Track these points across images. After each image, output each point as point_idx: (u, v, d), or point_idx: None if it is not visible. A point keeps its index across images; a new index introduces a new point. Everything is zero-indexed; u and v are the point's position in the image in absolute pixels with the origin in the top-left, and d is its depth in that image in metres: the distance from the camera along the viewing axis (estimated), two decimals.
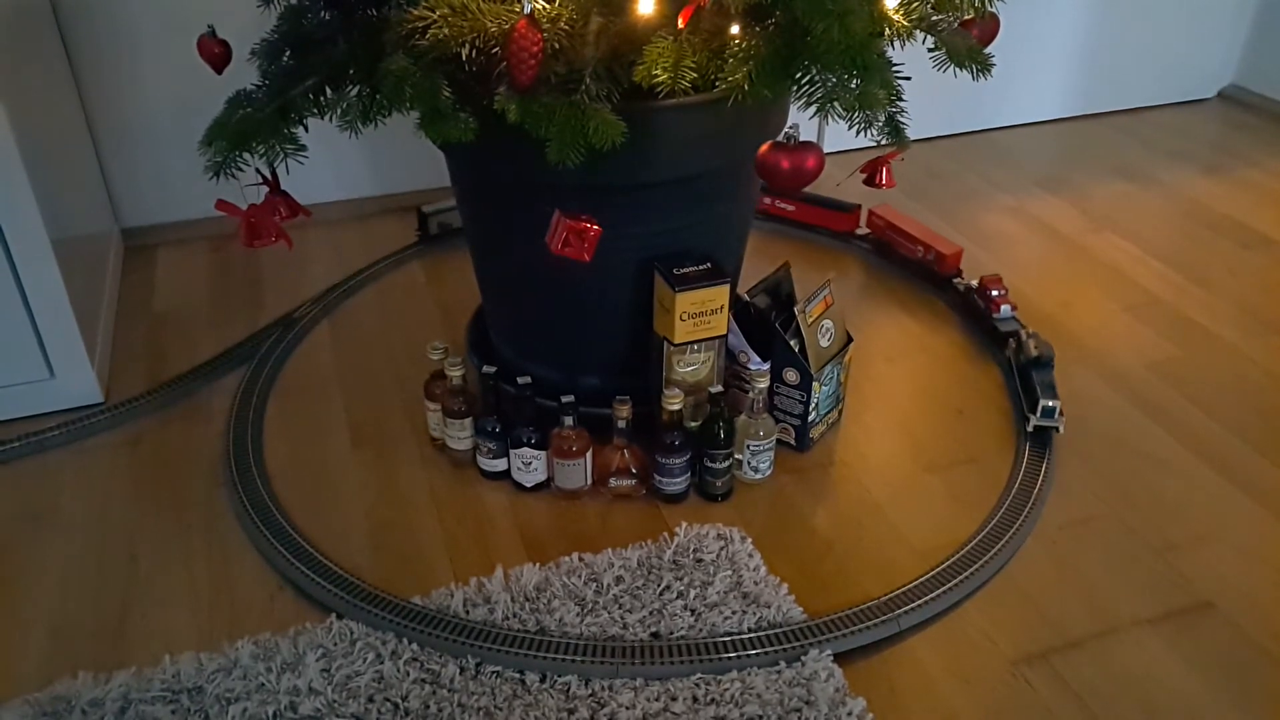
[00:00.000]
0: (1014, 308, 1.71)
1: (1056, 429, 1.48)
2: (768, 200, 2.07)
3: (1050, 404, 1.47)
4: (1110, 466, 1.48)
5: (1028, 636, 1.21)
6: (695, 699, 1.12)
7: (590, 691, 1.13)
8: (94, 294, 1.70)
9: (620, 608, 1.23)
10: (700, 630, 1.20)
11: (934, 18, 1.18)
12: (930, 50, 1.18)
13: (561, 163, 1.06)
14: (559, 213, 1.16)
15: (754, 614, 1.21)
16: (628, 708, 1.10)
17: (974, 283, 1.78)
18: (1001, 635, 1.21)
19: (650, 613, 1.22)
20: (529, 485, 1.41)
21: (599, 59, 1.09)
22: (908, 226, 1.93)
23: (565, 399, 1.34)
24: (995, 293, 1.72)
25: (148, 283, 1.93)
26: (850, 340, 1.51)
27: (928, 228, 1.94)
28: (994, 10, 1.28)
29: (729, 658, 1.15)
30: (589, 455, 1.37)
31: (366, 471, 1.46)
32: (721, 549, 1.31)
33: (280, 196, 1.28)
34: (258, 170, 1.22)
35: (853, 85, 1.04)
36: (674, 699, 1.12)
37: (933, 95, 1.88)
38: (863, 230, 2.04)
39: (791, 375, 1.42)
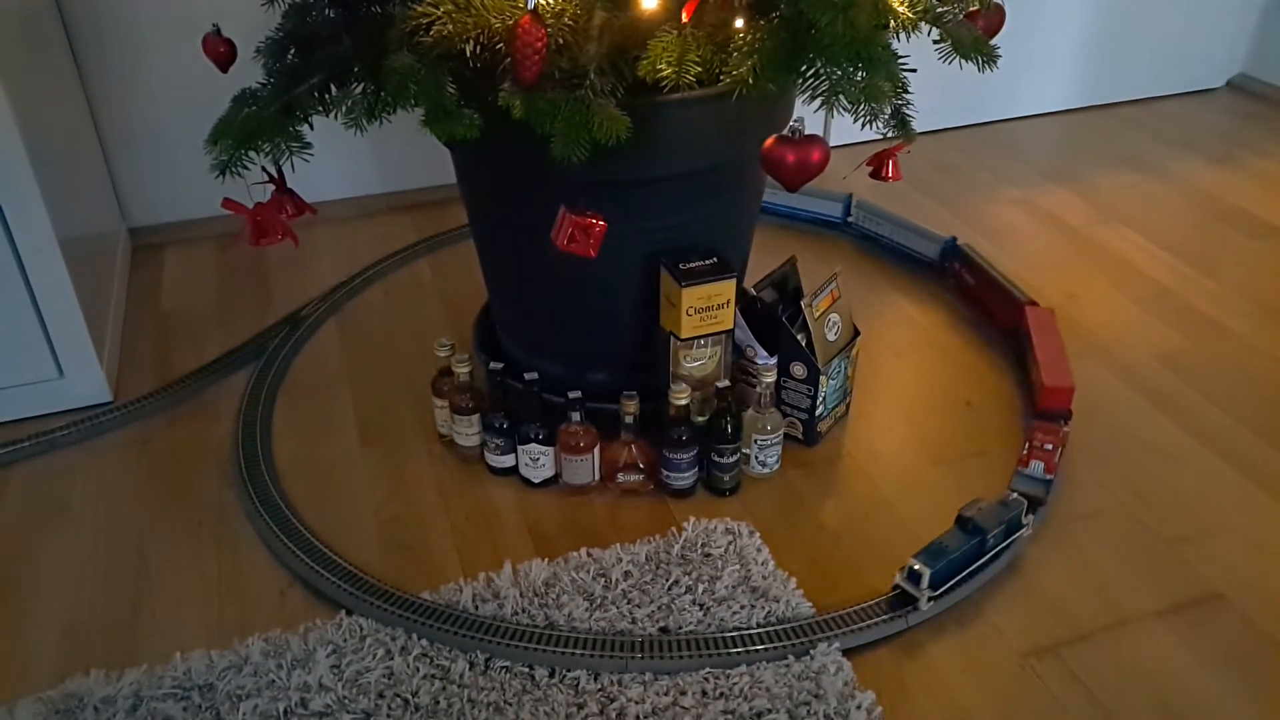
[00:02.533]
0: (1049, 470, 1.38)
1: (915, 604, 1.20)
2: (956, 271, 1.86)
3: (916, 567, 1.19)
4: (1119, 459, 1.47)
5: (1037, 629, 1.21)
6: (704, 693, 1.12)
7: (599, 686, 1.13)
8: (102, 293, 1.70)
9: (629, 603, 1.23)
10: (709, 625, 1.20)
11: (939, 10, 1.18)
12: (935, 42, 1.17)
13: (566, 159, 1.06)
14: (564, 208, 1.15)
15: (762, 608, 1.21)
16: (637, 702, 1.11)
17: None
18: (1011, 628, 1.21)
19: (659, 607, 1.22)
20: (537, 481, 1.41)
21: (603, 54, 1.08)
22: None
23: (572, 395, 1.34)
24: (1039, 443, 1.40)
25: (155, 282, 1.94)
26: (857, 334, 1.50)
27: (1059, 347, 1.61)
28: (999, 1, 1.27)
29: (737, 652, 1.15)
30: (596, 451, 1.38)
31: (375, 468, 1.47)
32: (729, 544, 1.31)
33: (286, 195, 1.28)
34: (263, 169, 1.23)
35: (858, 78, 1.03)
36: (683, 693, 1.12)
37: (939, 88, 1.88)
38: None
39: (799, 369, 1.42)
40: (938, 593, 1.20)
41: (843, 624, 1.18)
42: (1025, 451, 1.41)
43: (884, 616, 1.19)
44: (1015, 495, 1.30)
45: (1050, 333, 1.60)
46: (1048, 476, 1.38)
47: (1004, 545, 1.27)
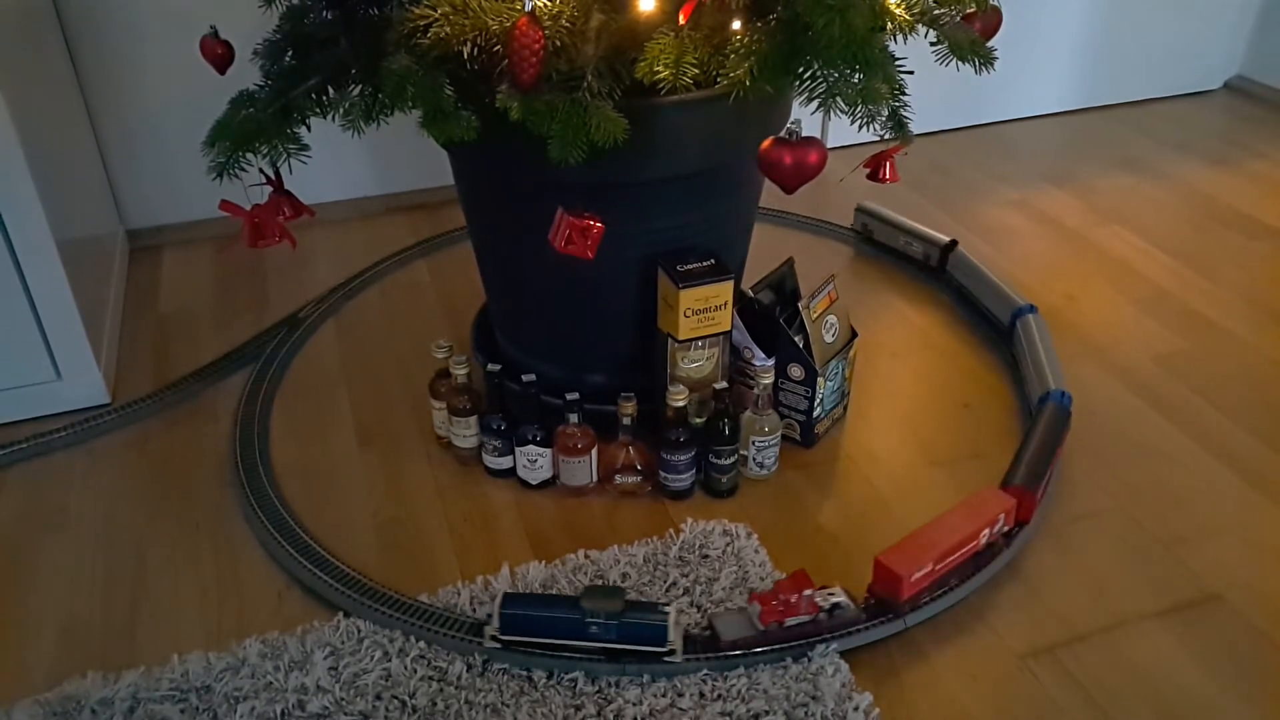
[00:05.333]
0: (764, 619, 1.16)
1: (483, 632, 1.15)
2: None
3: (496, 603, 1.13)
4: (1117, 460, 1.47)
5: (1035, 631, 1.21)
6: (702, 695, 1.12)
7: (597, 688, 1.13)
8: (100, 295, 1.70)
9: None
10: (706, 626, 1.19)
11: (936, 12, 1.18)
12: (932, 45, 1.17)
13: (564, 160, 1.06)
14: (562, 210, 1.15)
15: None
16: (634, 704, 1.11)
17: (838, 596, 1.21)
18: (1008, 630, 1.21)
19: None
20: (534, 483, 1.41)
21: (601, 56, 1.09)
22: None
23: (570, 396, 1.34)
24: (781, 595, 1.18)
25: (153, 284, 1.94)
26: (855, 335, 1.51)
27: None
28: (996, 3, 1.27)
29: (735, 654, 1.15)
30: (594, 452, 1.38)
31: (372, 470, 1.47)
32: (727, 545, 1.31)
33: (284, 196, 1.28)
34: (261, 170, 1.23)
35: (855, 80, 1.04)
36: (680, 695, 1.12)
37: (937, 89, 1.88)
38: None
39: (796, 371, 1.42)
40: (505, 638, 1.14)
41: (840, 625, 1.18)
42: (772, 591, 1.20)
43: (884, 616, 1.19)
44: (666, 609, 1.12)
45: (966, 510, 1.28)
46: (761, 626, 1.16)
47: (621, 645, 1.13)
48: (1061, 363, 1.57)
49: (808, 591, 1.18)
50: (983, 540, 1.26)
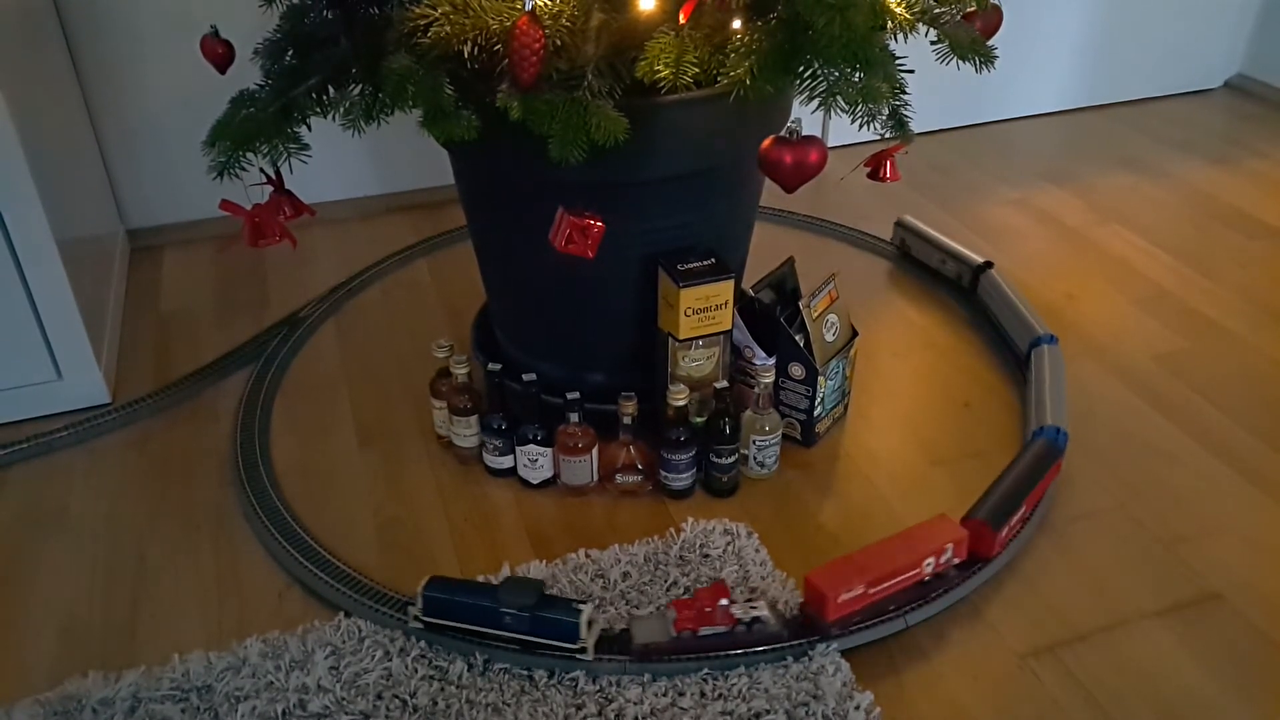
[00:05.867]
0: (678, 626, 1.15)
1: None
2: None
3: (420, 588, 1.15)
4: (1118, 459, 1.47)
5: (1035, 630, 1.21)
6: (703, 694, 1.12)
7: (598, 688, 1.13)
8: (100, 295, 1.70)
9: (627, 603, 1.23)
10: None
11: (936, 11, 1.18)
12: (933, 43, 1.17)
13: (564, 160, 1.06)
14: (562, 210, 1.15)
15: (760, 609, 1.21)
16: (635, 703, 1.11)
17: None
18: (1009, 629, 1.21)
19: (657, 609, 1.22)
20: (535, 482, 1.41)
21: (601, 55, 1.09)
22: None
23: (571, 396, 1.34)
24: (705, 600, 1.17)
25: (154, 283, 1.94)
26: (855, 335, 1.50)
27: None
28: (996, 2, 1.27)
29: (736, 653, 1.15)
30: (595, 452, 1.38)
31: (373, 470, 1.47)
32: (728, 544, 1.31)
33: (284, 196, 1.28)
34: (261, 170, 1.23)
35: (855, 79, 1.04)
36: (681, 694, 1.12)
37: (937, 88, 1.88)
38: None
39: (797, 370, 1.42)
40: (427, 619, 1.16)
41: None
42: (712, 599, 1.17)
43: (885, 615, 1.19)
44: (585, 608, 1.12)
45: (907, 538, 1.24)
46: (673, 633, 1.14)
47: (539, 641, 1.14)
48: (1062, 355, 1.57)
49: (724, 601, 1.16)
50: (926, 569, 1.21)
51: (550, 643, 1.13)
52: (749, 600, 1.18)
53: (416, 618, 1.17)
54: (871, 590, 1.17)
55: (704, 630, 1.14)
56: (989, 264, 1.81)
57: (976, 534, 1.25)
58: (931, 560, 1.21)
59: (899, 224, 1.99)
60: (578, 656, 1.13)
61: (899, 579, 1.19)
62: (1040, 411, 1.46)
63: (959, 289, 1.85)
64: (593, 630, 1.13)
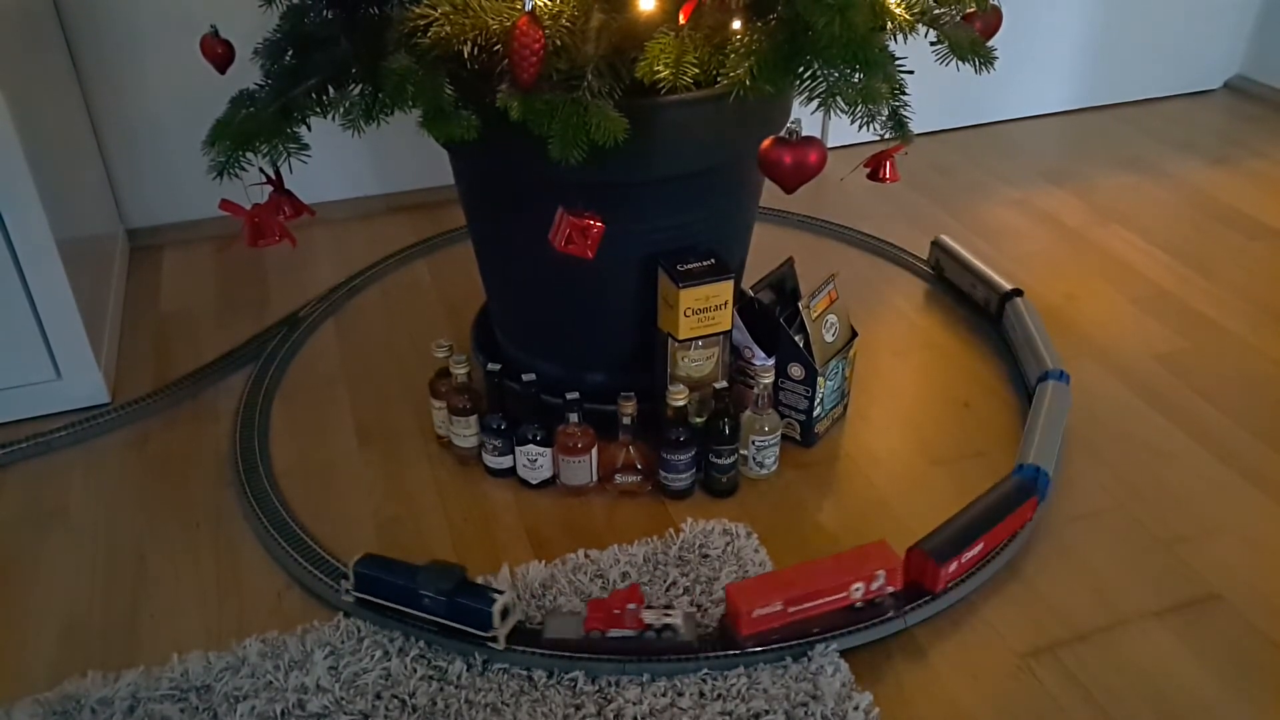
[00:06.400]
0: (588, 626, 1.16)
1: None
2: None
3: (351, 565, 1.19)
4: (1117, 459, 1.47)
5: (1035, 630, 1.21)
6: (701, 694, 1.12)
7: (597, 688, 1.13)
8: (100, 295, 1.70)
9: None
10: (706, 626, 1.19)
11: (936, 11, 1.18)
12: (933, 44, 1.17)
13: (564, 160, 1.06)
14: (562, 210, 1.16)
15: None
16: (634, 703, 1.11)
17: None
18: (1009, 629, 1.21)
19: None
20: (534, 482, 1.41)
21: (601, 55, 1.09)
22: None
23: (570, 396, 1.34)
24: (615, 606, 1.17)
25: (153, 283, 1.94)
26: (855, 335, 1.50)
27: None
28: (996, 3, 1.27)
29: (735, 653, 1.15)
30: (594, 452, 1.38)
31: (372, 470, 1.47)
32: (727, 544, 1.31)
33: (284, 196, 1.28)
34: (261, 170, 1.23)
35: (855, 80, 1.04)
36: (680, 694, 1.12)
37: (938, 89, 1.88)
38: None
39: (796, 370, 1.42)
40: (356, 592, 1.20)
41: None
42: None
43: (884, 615, 1.19)
44: (503, 600, 1.13)
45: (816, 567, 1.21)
46: (583, 632, 1.15)
47: (454, 625, 1.15)
48: (1062, 355, 1.57)
49: (632, 605, 1.15)
50: (855, 595, 1.17)
51: (465, 629, 1.15)
52: (667, 608, 1.18)
53: (349, 591, 1.20)
54: (791, 609, 1.15)
55: (612, 632, 1.14)
56: (1017, 291, 1.72)
57: (919, 565, 1.22)
58: (861, 586, 1.17)
59: (935, 244, 1.91)
60: (490, 645, 1.14)
61: (822, 601, 1.16)
62: (1027, 448, 1.39)
63: (986, 315, 1.77)
64: (507, 620, 1.15)
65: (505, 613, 1.14)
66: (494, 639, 1.14)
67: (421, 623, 1.17)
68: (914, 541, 1.23)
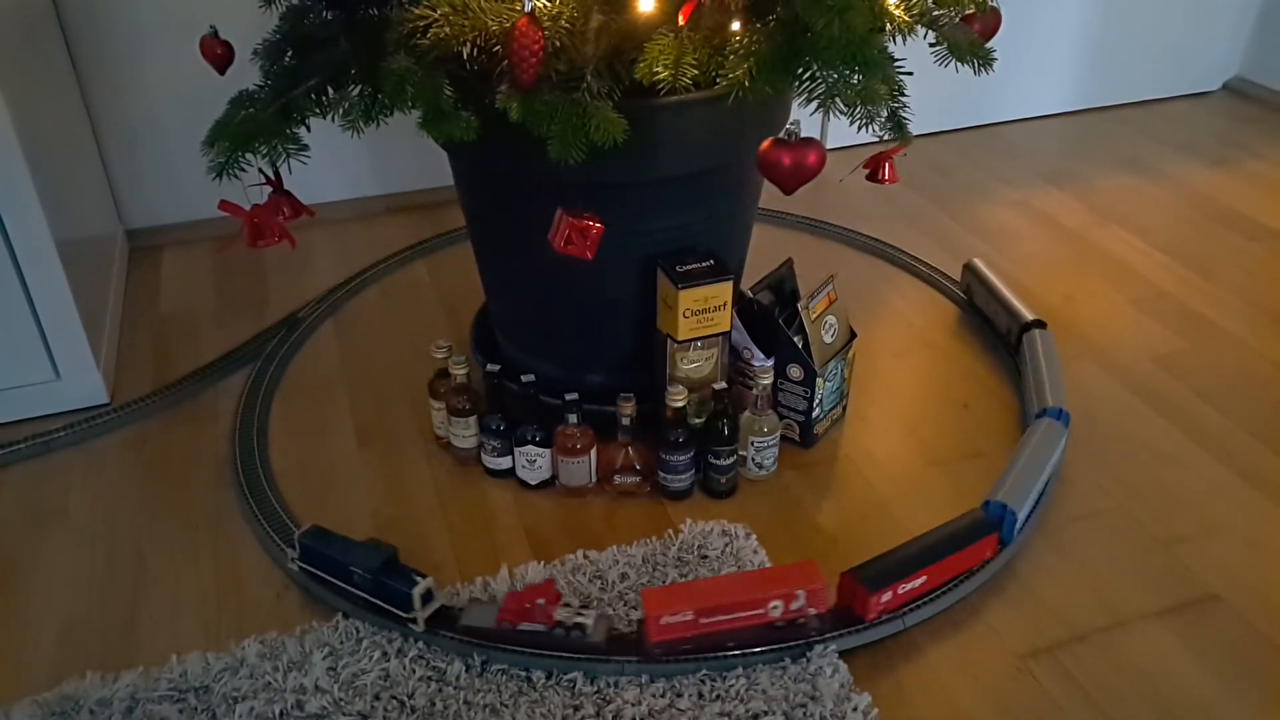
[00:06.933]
0: (501, 618, 1.17)
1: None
2: None
3: (299, 537, 1.23)
4: (1116, 460, 1.47)
5: (1034, 631, 1.21)
6: (700, 695, 1.12)
7: (596, 689, 1.13)
8: (99, 296, 1.70)
9: (625, 604, 1.23)
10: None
11: (935, 13, 1.18)
12: (931, 45, 1.17)
13: (563, 161, 1.06)
14: (561, 211, 1.16)
15: None
16: (633, 704, 1.11)
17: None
18: (1008, 630, 1.21)
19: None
20: (534, 483, 1.41)
21: (600, 57, 1.09)
22: None
23: (569, 396, 1.34)
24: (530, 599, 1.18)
25: (153, 284, 1.94)
26: (854, 336, 1.51)
27: None
28: (995, 5, 1.27)
29: (734, 654, 1.15)
30: (593, 453, 1.38)
31: (372, 470, 1.47)
32: (726, 545, 1.31)
33: (283, 196, 1.28)
34: (260, 170, 1.23)
35: (854, 81, 1.04)
36: (679, 695, 1.12)
37: (938, 90, 1.88)
38: None
39: (795, 371, 1.42)
40: (301, 563, 1.24)
41: (839, 626, 1.18)
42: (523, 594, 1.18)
43: (883, 616, 1.19)
44: (424, 586, 1.15)
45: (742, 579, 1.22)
46: (494, 622, 1.16)
47: (373, 598, 1.18)
48: (1061, 356, 1.57)
49: (541, 601, 1.16)
50: (772, 611, 1.15)
51: (389, 608, 1.18)
52: (583, 607, 1.19)
53: (294, 560, 1.24)
54: (703, 620, 1.14)
55: (522, 625, 1.16)
56: (1039, 323, 1.64)
57: (850, 591, 1.19)
58: (780, 604, 1.15)
59: (967, 268, 1.83)
60: (410, 626, 1.17)
61: (736, 615, 1.14)
62: (999, 485, 1.32)
63: (1006, 345, 1.69)
64: (428, 605, 1.17)
65: (428, 597, 1.17)
66: (414, 620, 1.17)
67: (354, 598, 1.20)
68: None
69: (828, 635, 1.16)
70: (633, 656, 1.14)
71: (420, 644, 1.17)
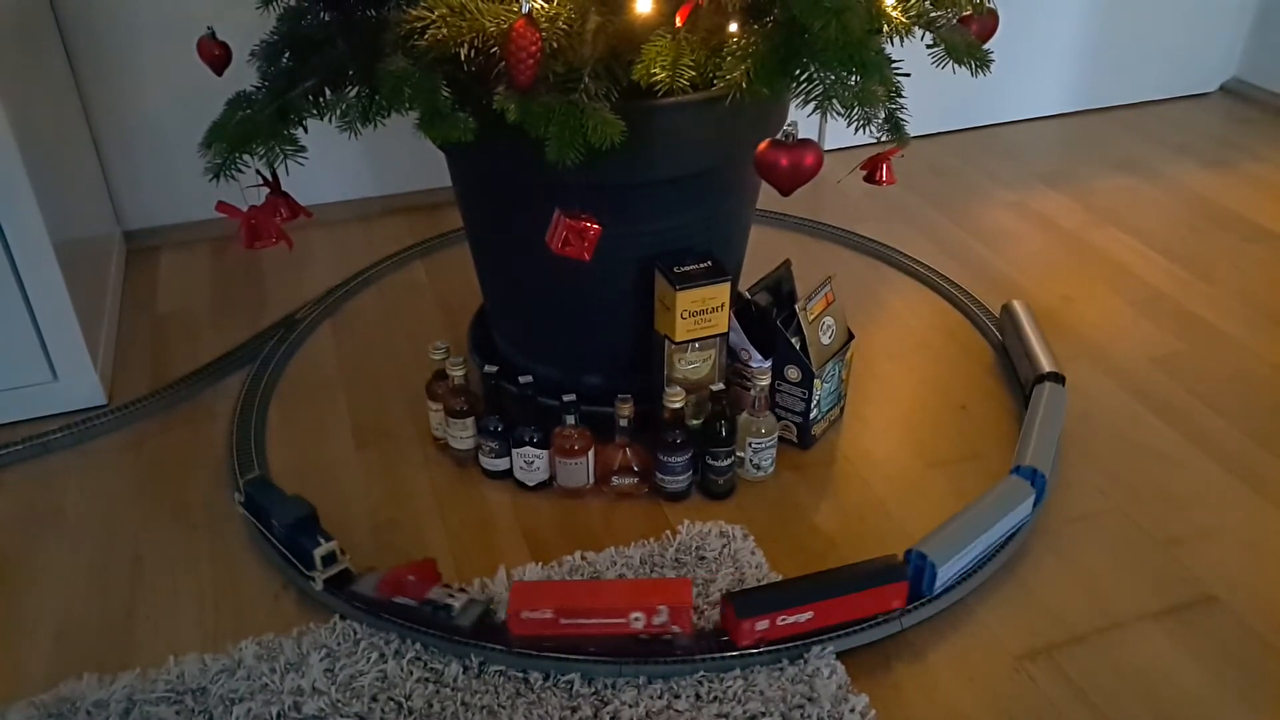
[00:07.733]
0: (382, 588, 1.22)
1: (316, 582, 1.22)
2: None
3: (240, 493, 1.32)
4: (1114, 461, 1.47)
5: (1031, 632, 1.21)
6: (698, 697, 1.12)
7: (593, 690, 1.13)
8: (97, 297, 1.70)
9: None
10: (702, 628, 1.19)
11: (932, 14, 1.18)
12: (929, 47, 1.18)
13: (561, 162, 1.06)
14: (559, 212, 1.16)
15: None
16: (630, 705, 1.11)
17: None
18: (1005, 631, 1.21)
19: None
20: (531, 484, 1.41)
21: (597, 58, 1.09)
22: None
23: (567, 398, 1.34)
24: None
25: (150, 285, 1.94)
26: (852, 337, 1.51)
27: None
28: (992, 6, 1.28)
29: (731, 655, 1.15)
30: (591, 454, 1.38)
31: (369, 472, 1.46)
32: (724, 547, 1.31)
33: (281, 198, 1.28)
34: (258, 171, 1.23)
35: (851, 82, 1.04)
36: (677, 696, 1.12)
37: (936, 91, 1.88)
38: None
39: (793, 372, 1.42)
40: (244, 508, 1.32)
41: (837, 627, 1.18)
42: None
43: (880, 617, 1.19)
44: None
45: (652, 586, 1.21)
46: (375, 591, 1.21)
47: (329, 575, 1.22)
48: (1059, 357, 1.57)
49: (411, 577, 1.20)
50: (634, 623, 1.13)
51: (296, 563, 1.25)
52: (460, 588, 1.22)
53: (239, 503, 1.33)
54: (563, 620, 1.14)
55: (396, 598, 1.19)
56: (1055, 376, 1.54)
57: (725, 614, 1.17)
58: (641, 616, 1.13)
59: (1006, 310, 1.72)
60: (310, 582, 1.23)
61: (597, 620, 1.14)
62: (935, 534, 1.24)
63: (1023, 395, 1.57)
64: (330, 566, 1.23)
65: (329, 559, 1.22)
66: (313, 579, 1.22)
67: (280, 553, 1.27)
68: (911, 544, 1.23)
69: (697, 658, 1.14)
70: (496, 645, 1.15)
71: (418, 645, 1.17)
